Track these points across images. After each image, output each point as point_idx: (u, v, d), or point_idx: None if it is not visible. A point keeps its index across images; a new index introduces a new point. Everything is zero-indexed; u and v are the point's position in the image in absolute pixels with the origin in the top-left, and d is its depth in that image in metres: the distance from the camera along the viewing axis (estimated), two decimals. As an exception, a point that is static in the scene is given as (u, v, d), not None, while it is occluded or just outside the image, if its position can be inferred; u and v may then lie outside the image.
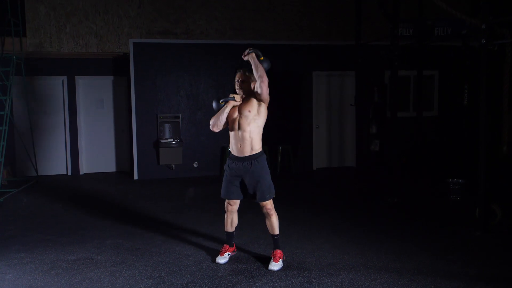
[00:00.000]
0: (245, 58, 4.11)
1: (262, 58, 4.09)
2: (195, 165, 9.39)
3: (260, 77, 4.00)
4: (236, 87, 4.24)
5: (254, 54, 4.07)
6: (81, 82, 9.80)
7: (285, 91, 9.66)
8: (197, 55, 9.32)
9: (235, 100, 4.19)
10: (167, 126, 9.19)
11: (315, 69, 9.87)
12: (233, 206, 4.32)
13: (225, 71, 9.38)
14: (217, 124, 4.22)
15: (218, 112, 4.21)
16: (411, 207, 6.45)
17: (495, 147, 7.30)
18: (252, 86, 4.20)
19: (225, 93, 9.42)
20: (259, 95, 4.07)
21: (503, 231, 5.20)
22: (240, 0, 10.02)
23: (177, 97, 9.28)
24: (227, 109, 4.18)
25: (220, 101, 4.19)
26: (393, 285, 3.78)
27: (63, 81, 9.67)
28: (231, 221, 4.38)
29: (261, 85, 4.01)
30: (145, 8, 9.67)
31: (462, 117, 7.82)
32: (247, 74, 4.20)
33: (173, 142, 9.08)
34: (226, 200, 4.32)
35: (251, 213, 5.55)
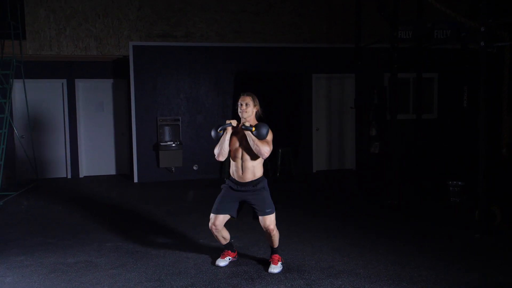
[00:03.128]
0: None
1: (254, 129, 4.00)
2: (195, 168, 9.39)
3: (258, 153, 3.98)
4: (239, 110, 4.16)
5: (247, 131, 4.00)
6: (81, 85, 9.81)
7: (285, 93, 9.67)
8: (197, 58, 9.33)
9: (233, 125, 4.13)
10: (167, 129, 9.19)
11: (315, 71, 9.88)
12: (217, 226, 4.17)
13: (225, 74, 9.39)
14: (221, 153, 4.14)
15: (220, 141, 4.14)
16: (411, 210, 6.45)
17: (495, 149, 7.30)
18: (255, 110, 4.16)
19: (225, 97, 9.44)
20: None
21: (502, 233, 5.20)
22: (240, 3, 10.03)
23: (177, 100, 9.29)
24: (227, 137, 4.12)
25: (218, 130, 4.13)
26: (393, 287, 3.78)
27: (62, 84, 9.68)
28: (222, 237, 4.29)
29: (262, 157, 4.02)
30: (145, 11, 9.69)
31: (462, 120, 7.82)
32: (251, 97, 4.16)
33: (173, 145, 9.08)
34: (210, 222, 4.18)
35: (251, 216, 5.54)
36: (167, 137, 9.19)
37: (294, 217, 6.07)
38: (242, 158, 4.11)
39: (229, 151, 4.18)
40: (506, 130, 6.69)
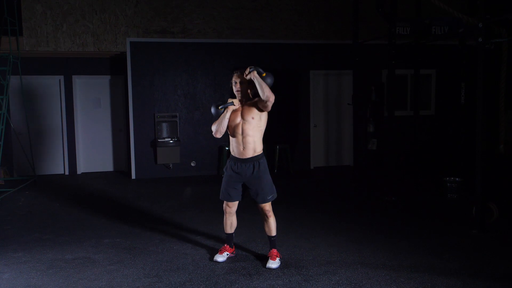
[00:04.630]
0: (247, 77, 4.05)
1: (264, 74, 4.02)
2: (192, 164, 9.39)
3: (268, 97, 3.94)
4: (234, 89, 4.18)
5: (255, 72, 4.01)
6: (78, 82, 9.78)
7: (282, 90, 9.65)
8: (194, 54, 9.31)
9: (234, 105, 4.16)
10: (164, 125, 9.18)
11: (312, 68, 9.88)
12: (231, 208, 4.31)
13: (223, 70, 9.38)
14: (219, 130, 4.15)
15: (219, 119, 4.16)
16: (408, 206, 6.47)
17: (492, 146, 7.32)
18: (249, 87, 4.17)
19: (222, 93, 9.43)
20: (263, 107, 4.03)
21: (499, 230, 5.22)
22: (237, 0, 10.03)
23: (175, 96, 9.28)
24: (227, 115, 4.14)
25: (219, 107, 4.14)
26: (390, 283, 3.79)
27: (60, 80, 9.65)
28: (231, 223, 4.37)
29: (267, 103, 3.97)
30: (142, 7, 9.66)
31: (459, 116, 7.84)
32: (243, 74, 4.16)
33: (171, 141, 9.08)
34: (225, 202, 4.31)
35: (249, 213, 5.56)
36: (164, 134, 9.18)
37: (292, 213, 6.08)
38: (242, 134, 4.11)
39: (228, 128, 4.19)
40: (503, 127, 6.71)
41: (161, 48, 9.18)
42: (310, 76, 9.88)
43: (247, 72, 4.06)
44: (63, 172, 9.78)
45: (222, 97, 9.44)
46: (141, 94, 9.11)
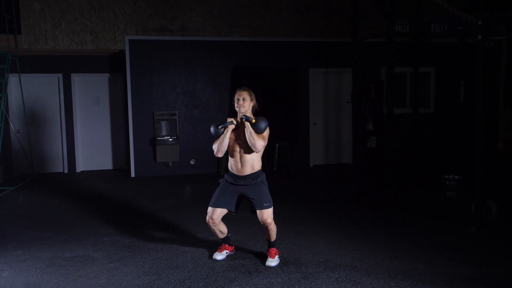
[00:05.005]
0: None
1: (254, 121, 4.02)
2: (192, 162, 9.39)
3: (252, 146, 3.99)
4: (236, 105, 4.14)
5: (246, 122, 4.03)
6: (77, 80, 9.77)
7: (282, 88, 9.66)
8: (193, 52, 9.30)
9: (234, 124, 4.14)
10: (163, 123, 9.18)
11: (312, 66, 9.87)
12: (215, 220, 4.18)
13: (222, 68, 9.37)
14: (221, 149, 4.13)
15: (220, 138, 4.14)
16: (407, 204, 6.47)
17: (491, 144, 7.32)
18: (252, 104, 4.16)
19: (221, 91, 9.43)
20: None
21: (498, 227, 5.23)
22: (236, -3, 10.01)
23: (174, 94, 9.27)
24: (227, 134, 4.12)
25: (219, 127, 4.13)
26: (389, 281, 3.79)
27: (58, 78, 9.63)
28: (219, 231, 4.29)
29: (255, 151, 4.03)
30: (140, 5, 9.64)
31: (458, 114, 7.84)
32: (247, 91, 4.15)
33: (170, 139, 9.07)
34: (208, 216, 4.19)
35: (248, 210, 5.55)
36: (163, 132, 9.18)
37: (291, 211, 6.08)
38: (240, 152, 4.12)
39: (229, 145, 4.18)
40: (502, 124, 6.71)
41: (160, 46, 9.16)
42: (309, 74, 9.87)
43: (240, 121, 4.10)
44: (62, 170, 9.77)
45: (221, 95, 9.44)
46: (140, 92, 9.10)
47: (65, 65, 9.60)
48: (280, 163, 9.57)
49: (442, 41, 9.43)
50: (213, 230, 4.27)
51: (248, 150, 4.09)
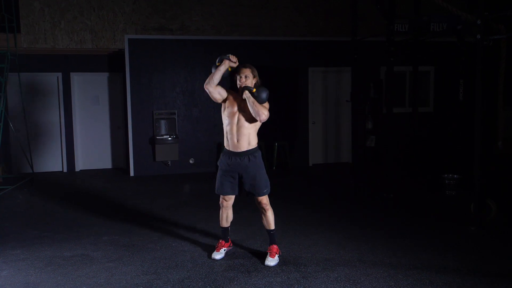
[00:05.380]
0: (243, 97, 4.07)
1: (254, 90, 4.03)
2: (191, 161, 9.38)
3: (257, 115, 3.98)
4: (238, 81, 4.15)
5: (247, 92, 4.04)
6: (76, 79, 9.76)
7: (281, 87, 9.66)
8: (193, 52, 9.30)
9: (231, 60, 4.08)
10: (163, 122, 9.18)
11: (311, 65, 9.87)
12: (228, 202, 4.30)
13: (221, 67, 9.35)
14: (210, 83, 4.08)
15: (215, 71, 4.11)
16: (406, 203, 6.47)
17: (490, 143, 7.32)
18: (254, 81, 4.16)
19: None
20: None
21: (498, 226, 5.23)
22: (236, -4, 10.00)
23: (173, 93, 9.26)
24: (222, 68, 4.07)
25: (217, 62, 4.11)
26: (389, 280, 3.79)
27: (58, 77, 9.63)
28: (226, 216, 4.37)
29: (260, 119, 4.02)
30: (140, 4, 9.63)
31: (458, 113, 7.84)
32: (250, 68, 4.16)
33: (169, 138, 9.07)
34: (221, 196, 4.30)
35: (247, 210, 5.57)
36: (163, 131, 9.18)
37: (290, 210, 6.08)
38: (238, 124, 4.10)
39: (223, 117, 4.18)
40: (501, 124, 6.71)
41: (160, 45, 9.16)
42: (308, 73, 9.87)
43: (240, 92, 4.10)
44: (61, 170, 9.77)
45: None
46: (139, 91, 9.10)
47: (65, 64, 9.59)
48: (279, 162, 9.57)
49: (441, 40, 9.43)
50: (222, 213, 4.34)
51: (246, 121, 4.08)
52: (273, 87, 9.61)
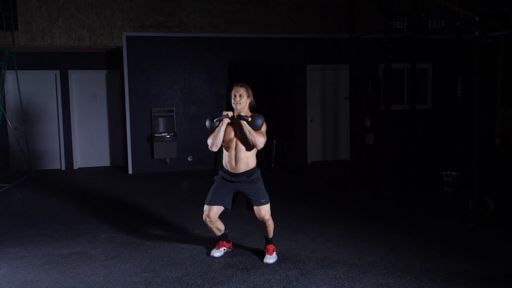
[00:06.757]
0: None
1: (250, 119, 4.01)
2: (189, 159, 9.38)
3: (254, 143, 3.99)
4: (233, 101, 4.12)
5: (242, 121, 4.02)
6: (74, 76, 9.74)
7: (279, 84, 9.65)
8: (190, 49, 9.28)
9: (229, 117, 4.11)
10: (161, 120, 9.16)
11: (309, 62, 9.86)
12: (212, 218, 4.14)
13: (219, 64, 9.35)
14: (215, 143, 4.09)
15: (215, 132, 4.10)
16: (404, 200, 6.48)
17: (489, 140, 7.34)
18: (249, 101, 4.15)
19: (218, 87, 9.41)
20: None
21: (496, 223, 5.24)
22: (234, -7, 9.97)
23: (171, 91, 9.25)
24: (222, 128, 4.09)
25: (214, 121, 4.11)
26: (387, 277, 3.80)
27: (55, 75, 9.61)
28: (216, 228, 4.27)
29: (257, 148, 4.02)
30: (137, 1, 9.60)
31: (456, 110, 7.84)
32: (244, 88, 4.13)
33: (167, 136, 9.06)
34: (204, 214, 4.15)
35: (245, 208, 5.55)
36: (161, 129, 9.17)
37: (289, 208, 6.09)
38: (236, 149, 4.10)
39: (223, 141, 4.16)
40: (499, 121, 6.73)
41: (158, 42, 9.14)
42: (306, 70, 9.86)
43: (236, 120, 4.08)
44: (59, 167, 9.76)
45: (218, 92, 9.42)
46: (137, 89, 9.08)
47: (62, 61, 9.57)
48: (277, 160, 9.57)
49: (440, 37, 9.43)
50: (210, 228, 4.25)
51: (244, 146, 4.08)
52: (270, 85, 9.67)
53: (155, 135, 9.03)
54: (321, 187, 7.67)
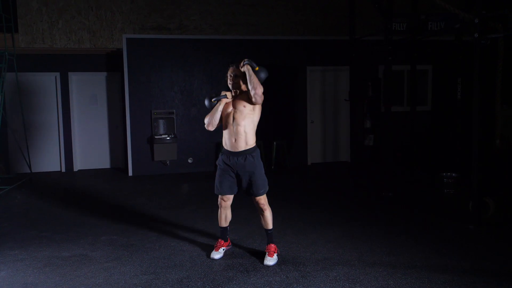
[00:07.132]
0: (242, 70, 4.10)
1: (257, 68, 4.07)
2: (189, 161, 9.38)
3: (254, 88, 3.97)
4: (228, 81, 4.21)
5: (249, 66, 4.06)
6: (74, 78, 9.75)
7: (279, 86, 9.66)
8: (191, 51, 9.29)
9: (227, 98, 4.17)
10: (161, 122, 9.17)
11: (309, 64, 9.87)
12: (226, 202, 4.31)
13: (219, 66, 9.36)
14: (211, 122, 4.18)
15: (212, 111, 4.19)
16: (405, 201, 6.48)
17: (488, 141, 7.33)
18: (244, 81, 4.18)
19: (219, 89, 9.40)
20: (252, 100, 4.03)
21: (496, 225, 5.24)
22: (233, -5, 9.99)
23: (171, 93, 9.25)
24: (220, 107, 4.16)
25: (212, 100, 4.17)
26: (387, 279, 3.80)
27: (56, 77, 9.61)
28: (225, 216, 4.37)
29: (255, 96, 3.99)
30: (138, 3, 9.62)
31: (456, 112, 7.85)
32: (239, 68, 4.18)
33: (168, 138, 9.06)
34: (220, 196, 4.30)
35: (246, 209, 5.56)
36: (161, 130, 9.17)
37: (289, 209, 6.08)
38: (234, 123, 4.11)
39: (221, 120, 4.22)
40: (499, 122, 6.73)
41: (158, 44, 9.15)
42: (307, 72, 9.87)
43: (241, 64, 4.10)
44: (59, 169, 9.76)
45: (219, 94, 9.41)
46: (137, 90, 9.09)
47: (63, 64, 9.57)
48: (277, 161, 9.57)
49: (439, 39, 9.44)
50: (221, 213, 4.35)
51: (242, 120, 4.09)
52: (271, 86, 9.65)
53: (155, 137, 9.03)
54: (321, 189, 7.66)
